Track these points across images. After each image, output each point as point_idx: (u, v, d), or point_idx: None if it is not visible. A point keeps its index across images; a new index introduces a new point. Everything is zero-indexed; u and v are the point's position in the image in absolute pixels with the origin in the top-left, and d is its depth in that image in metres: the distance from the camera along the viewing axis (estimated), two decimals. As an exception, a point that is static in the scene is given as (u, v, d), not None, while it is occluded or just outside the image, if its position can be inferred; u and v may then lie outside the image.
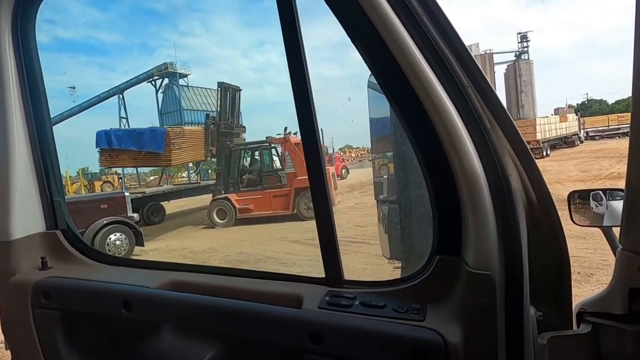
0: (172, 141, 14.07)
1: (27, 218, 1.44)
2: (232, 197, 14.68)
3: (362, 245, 9.06)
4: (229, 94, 16.45)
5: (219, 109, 16.25)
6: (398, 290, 1.06)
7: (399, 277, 1.45)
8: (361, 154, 41.13)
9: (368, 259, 7.83)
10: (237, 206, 14.55)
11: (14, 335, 1.38)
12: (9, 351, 1.41)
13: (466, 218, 0.94)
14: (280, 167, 15.56)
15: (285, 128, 16.09)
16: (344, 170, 27.91)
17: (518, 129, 0.99)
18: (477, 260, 0.92)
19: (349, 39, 1.02)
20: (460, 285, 0.96)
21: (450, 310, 0.96)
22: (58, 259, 1.45)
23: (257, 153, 15.80)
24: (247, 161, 15.99)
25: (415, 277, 1.05)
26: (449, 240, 0.99)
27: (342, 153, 38.31)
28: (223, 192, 14.94)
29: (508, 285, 0.90)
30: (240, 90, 17.89)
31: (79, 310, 1.30)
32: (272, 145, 15.46)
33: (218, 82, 16.81)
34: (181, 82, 37.10)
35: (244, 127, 17.70)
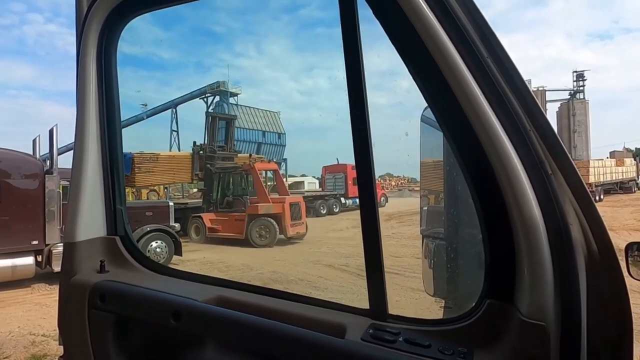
0: (138, 166, 15.27)
1: (92, 223, 1.55)
2: (206, 216, 15.54)
3: (397, 276, 8.85)
4: (216, 122, 17.89)
5: (209, 137, 17.60)
6: (444, 331, 1.03)
7: (442, 316, 1.42)
8: (401, 183, 40.62)
9: (402, 291, 7.62)
10: (207, 225, 15.30)
11: (68, 332, 1.46)
12: (62, 346, 1.50)
13: (521, 264, 0.92)
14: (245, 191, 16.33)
15: (250, 155, 17.07)
16: (382, 198, 27.63)
17: (581, 176, 0.97)
18: (531, 309, 0.89)
19: (394, 69, 1.04)
20: (511, 333, 0.92)
21: (498, 358, 0.93)
22: (114, 263, 1.54)
23: (236, 176, 16.67)
24: (229, 183, 16.86)
25: (463, 319, 1.02)
26: (500, 285, 0.97)
27: (382, 181, 38.00)
28: (205, 210, 15.99)
29: (563, 339, 0.86)
30: (235, 118, 19.97)
31: (131, 315, 1.36)
32: (244, 170, 16.33)
33: (206, 112, 18.42)
34: (231, 100, 38.53)
35: (237, 151, 19.09)
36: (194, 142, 17.86)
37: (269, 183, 18.59)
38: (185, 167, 17.15)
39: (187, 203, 17.95)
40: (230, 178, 16.67)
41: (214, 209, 15.92)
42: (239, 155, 19.02)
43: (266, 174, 17.92)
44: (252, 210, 14.50)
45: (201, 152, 16.96)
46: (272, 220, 14.21)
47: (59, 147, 9.97)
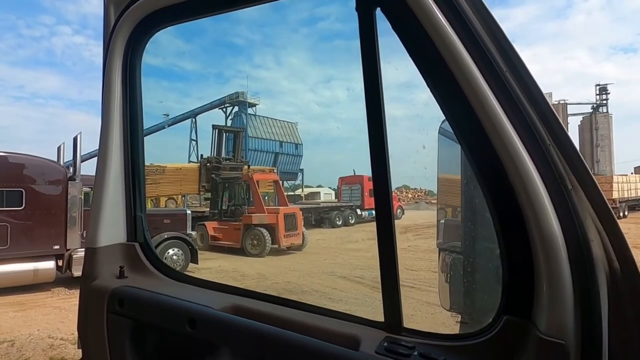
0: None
1: (113, 229, 1.58)
2: (209, 224, 15.88)
3: (412, 290, 8.73)
4: (222, 134, 18.48)
5: (214, 148, 18.20)
6: (460, 346, 1.02)
7: (458, 331, 1.39)
8: (418, 195, 40.25)
9: (417, 305, 7.51)
10: (210, 233, 15.63)
11: (87, 336, 1.49)
12: (80, 349, 1.52)
13: (540, 280, 0.90)
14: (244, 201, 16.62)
15: (248, 166, 17.58)
16: (399, 211, 27.40)
17: (602, 192, 0.95)
18: (550, 326, 0.87)
19: (412, 82, 1.05)
20: (529, 351, 0.90)
21: None
22: (133, 269, 1.57)
23: (237, 186, 16.99)
24: (233, 193, 17.24)
25: (479, 334, 1.00)
26: (518, 301, 0.95)
27: (398, 192, 37.71)
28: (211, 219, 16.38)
29: (584, 358, 0.84)
30: (241, 130, 20.75)
31: (148, 321, 1.38)
32: (244, 180, 16.66)
33: (213, 125, 19.41)
34: (249, 110, 39.03)
35: (244, 161, 19.37)
36: (201, 155, 18.47)
37: (271, 191, 18.92)
38: (193, 179, 17.81)
39: (204, 211, 18.24)
40: (233, 188, 17.08)
41: (218, 218, 16.33)
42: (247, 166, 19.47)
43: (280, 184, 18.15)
44: (247, 219, 14.74)
45: (208, 164, 17.52)
46: (262, 230, 14.27)
47: (82, 154, 10.25)
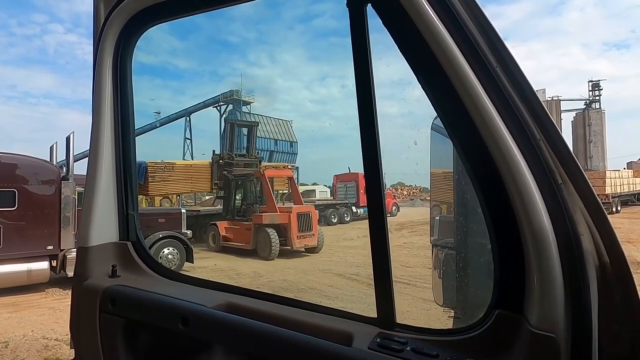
0: (151, 175, 15.18)
1: (104, 228, 1.58)
2: (221, 224, 15.20)
3: (408, 286, 8.78)
4: (234, 129, 17.74)
5: (227, 144, 17.43)
6: (452, 341, 1.02)
7: (451, 326, 1.40)
8: (413, 192, 40.42)
9: (413, 301, 7.55)
10: (222, 234, 14.96)
11: (79, 336, 1.48)
12: (73, 350, 1.51)
13: (531, 274, 0.91)
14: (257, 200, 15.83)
15: (260, 161, 17.02)
16: (394, 207, 27.48)
17: (592, 186, 0.95)
18: (540, 320, 0.87)
19: (405, 79, 1.05)
20: (520, 344, 0.91)
21: None
22: (126, 268, 1.56)
23: (249, 183, 16.20)
24: (245, 191, 16.54)
25: (471, 329, 1.01)
26: (510, 295, 0.96)
27: (393, 190, 37.82)
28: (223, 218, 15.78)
29: (574, 352, 0.85)
30: (256, 124, 19.66)
31: (141, 319, 1.38)
32: (256, 177, 15.95)
33: (225, 119, 18.10)
34: (244, 109, 38.91)
35: (259, 157, 18.41)
36: (213, 151, 17.87)
37: (284, 191, 18.21)
38: (204, 176, 17.01)
39: (199, 210, 18.07)
40: (246, 185, 16.30)
41: (230, 217, 15.62)
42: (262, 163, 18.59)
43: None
44: (258, 219, 13.79)
45: (220, 161, 16.82)
46: (269, 231, 13.33)
47: (75, 154, 10.18)
